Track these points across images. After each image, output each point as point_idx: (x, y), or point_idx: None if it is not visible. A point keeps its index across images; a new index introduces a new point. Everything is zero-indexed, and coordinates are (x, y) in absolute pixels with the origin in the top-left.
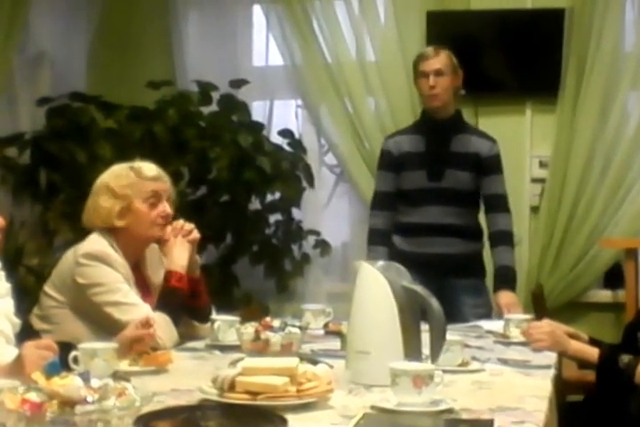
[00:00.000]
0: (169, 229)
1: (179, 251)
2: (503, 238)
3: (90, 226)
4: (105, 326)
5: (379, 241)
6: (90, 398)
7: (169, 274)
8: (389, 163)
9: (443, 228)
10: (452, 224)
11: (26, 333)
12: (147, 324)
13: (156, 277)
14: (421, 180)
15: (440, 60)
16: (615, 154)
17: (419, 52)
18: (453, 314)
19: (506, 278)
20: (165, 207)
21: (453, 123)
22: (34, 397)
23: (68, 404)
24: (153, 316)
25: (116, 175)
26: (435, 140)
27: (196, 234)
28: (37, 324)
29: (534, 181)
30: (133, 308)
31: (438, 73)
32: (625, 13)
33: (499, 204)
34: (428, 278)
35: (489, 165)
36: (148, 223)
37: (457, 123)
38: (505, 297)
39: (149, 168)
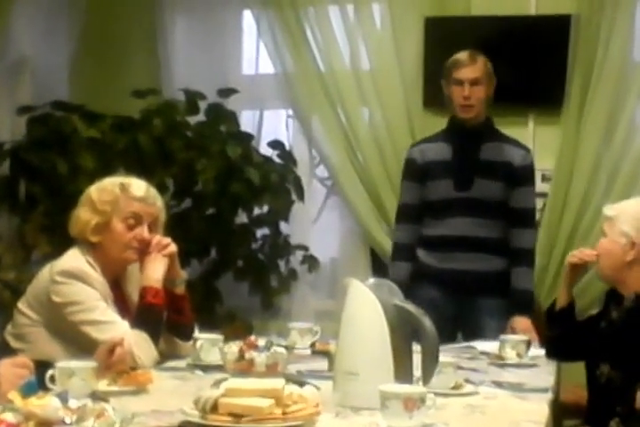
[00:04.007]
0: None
1: (153, 265)
2: (524, 258)
3: (72, 235)
4: (82, 345)
5: (403, 256)
6: (67, 420)
7: (144, 290)
8: (413, 172)
9: (469, 241)
10: (480, 237)
11: (1, 350)
12: (119, 345)
13: (137, 294)
14: (448, 189)
15: (477, 68)
16: (621, 168)
17: (453, 57)
18: (474, 335)
19: (523, 303)
20: (143, 231)
21: (484, 130)
22: (9, 417)
23: (45, 425)
24: (130, 334)
25: (101, 189)
26: (463, 148)
27: (172, 248)
28: (12, 342)
29: (536, 195)
30: (111, 326)
31: (474, 82)
32: (634, 21)
33: (525, 219)
34: (450, 296)
35: (521, 176)
36: (121, 244)
37: (488, 130)
38: (520, 323)
39: (138, 187)
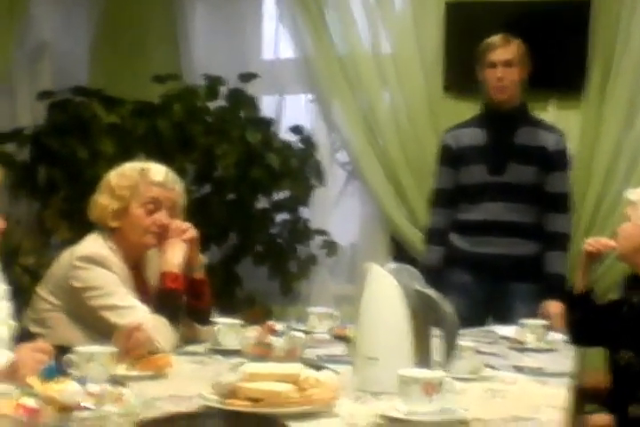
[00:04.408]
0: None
1: (173, 251)
2: (559, 242)
3: (91, 220)
4: (101, 330)
5: (436, 241)
6: (87, 404)
7: (163, 275)
8: (448, 158)
9: (503, 226)
10: (513, 222)
11: (22, 336)
12: (136, 330)
13: (156, 279)
14: (482, 174)
15: (510, 50)
16: None
17: (486, 40)
18: (505, 320)
19: (555, 287)
20: (162, 217)
21: (518, 114)
22: (29, 402)
23: (64, 409)
24: (149, 318)
25: (120, 174)
26: (497, 133)
27: (191, 233)
28: (32, 327)
29: None
30: (130, 311)
31: (507, 64)
32: None
33: (560, 203)
34: (483, 280)
35: (555, 161)
36: (140, 230)
37: (522, 114)
38: (552, 306)
39: (157, 172)
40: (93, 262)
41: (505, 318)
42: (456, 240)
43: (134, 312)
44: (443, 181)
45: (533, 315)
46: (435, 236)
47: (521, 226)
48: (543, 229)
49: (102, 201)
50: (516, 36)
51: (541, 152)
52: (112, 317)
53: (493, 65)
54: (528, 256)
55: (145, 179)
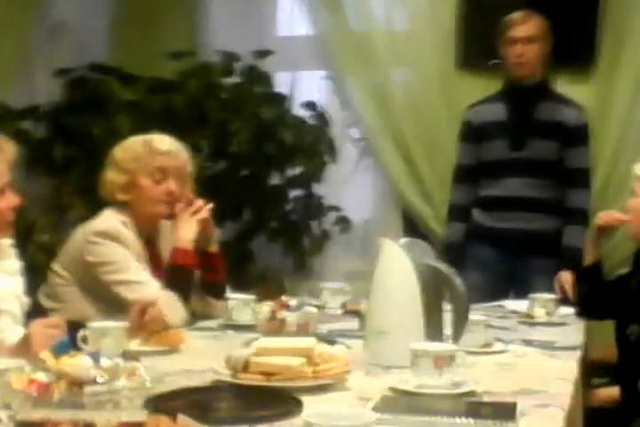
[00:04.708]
0: (179, 206)
1: (185, 227)
2: (578, 217)
3: (103, 197)
4: (114, 304)
5: (459, 217)
6: (99, 379)
7: (174, 251)
8: (469, 133)
9: (524, 201)
10: (534, 197)
11: (35, 311)
12: (151, 306)
13: (169, 252)
14: (502, 150)
15: (530, 26)
16: None
17: (507, 17)
18: (526, 294)
19: (573, 260)
20: (171, 185)
21: (539, 90)
22: (41, 377)
23: (76, 384)
24: (160, 295)
25: (124, 148)
26: (518, 108)
27: (204, 213)
28: (45, 302)
29: None
30: (142, 286)
31: (528, 40)
32: None
33: (580, 178)
34: (504, 255)
35: (575, 136)
36: (151, 200)
37: (543, 90)
38: (565, 276)
39: (161, 142)
40: (108, 237)
41: (526, 292)
42: (478, 216)
43: (146, 288)
44: (464, 156)
45: (554, 290)
46: (457, 211)
47: (541, 201)
48: (563, 205)
49: (109, 176)
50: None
51: (561, 127)
52: (123, 291)
53: (514, 41)
54: (549, 231)
55: (149, 149)
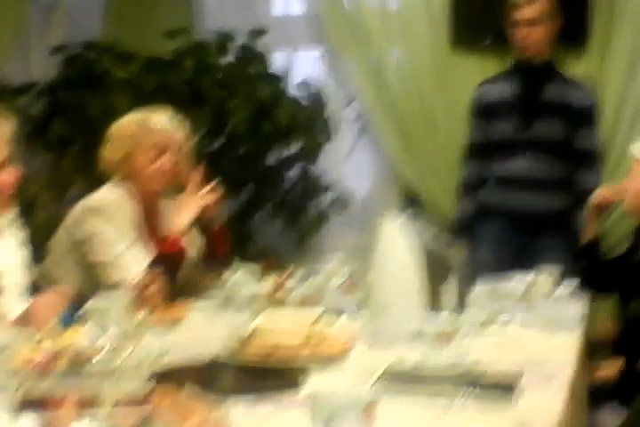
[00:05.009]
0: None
1: (184, 211)
2: (586, 196)
3: (101, 172)
4: (97, 281)
5: (470, 193)
6: (104, 351)
7: (163, 239)
8: (479, 111)
9: (533, 180)
10: (543, 177)
11: (36, 286)
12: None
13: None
14: (510, 130)
15: (535, 8)
16: None
17: None
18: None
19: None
20: (167, 161)
21: (546, 70)
22: (45, 349)
23: (78, 358)
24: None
25: (120, 125)
26: (525, 88)
27: (208, 199)
28: (43, 280)
29: None
30: (124, 268)
31: (532, 23)
32: None
33: (588, 159)
34: (513, 233)
35: (582, 116)
36: (146, 177)
37: (550, 70)
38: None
39: (158, 118)
40: (97, 214)
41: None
42: (487, 194)
43: (127, 271)
44: (475, 134)
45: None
46: (467, 189)
47: (550, 180)
48: (573, 186)
49: (105, 153)
50: None
51: (569, 108)
52: (105, 272)
53: (518, 23)
54: (557, 210)
55: (144, 127)
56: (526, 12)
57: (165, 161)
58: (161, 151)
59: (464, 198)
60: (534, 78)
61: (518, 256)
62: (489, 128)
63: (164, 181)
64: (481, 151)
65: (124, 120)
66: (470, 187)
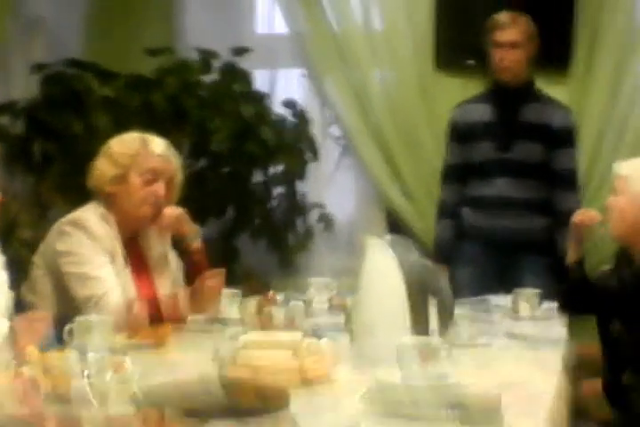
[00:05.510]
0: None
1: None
2: (567, 220)
3: (89, 187)
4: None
5: (448, 215)
6: (86, 373)
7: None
8: (456, 133)
9: (511, 201)
10: (522, 198)
11: (19, 306)
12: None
13: (154, 250)
14: (489, 151)
15: (517, 30)
16: (627, 128)
17: (494, 18)
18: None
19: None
20: (160, 188)
21: (525, 91)
22: (28, 372)
23: (63, 379)
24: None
25: (122, 141)
26: (504, 109)
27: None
28: (28, 296)
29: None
30: (96, 283)
31: (513, 45)
32: None
33: (566, 180)
34: (493, 253)
35: (560, 137)
36: (137, 199)
37: (529, 91)
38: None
39: (158, 144)
40: (77, 228)
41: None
42: (467, 215)
43: (100, 285)
44: (452, 156)
45: (542, 287)
46: (446, 211)
47: (529, 202)
48: (552, 207)
49: (101, 166)
50: (522, 14)
51: (547, 129)
52: (75, 285)
53: (498, 45)
54: (536, 231)
55: (146, 149)
56: (508, 35)
57: (158, 188)
58: (156, 176)
59: (442, 221)
60: (512, 100)
61: (499, 276)
62: (466, 150)
63: (151, 208)
64: (458, 173)
65: (127, 137)
66: (448, 209)
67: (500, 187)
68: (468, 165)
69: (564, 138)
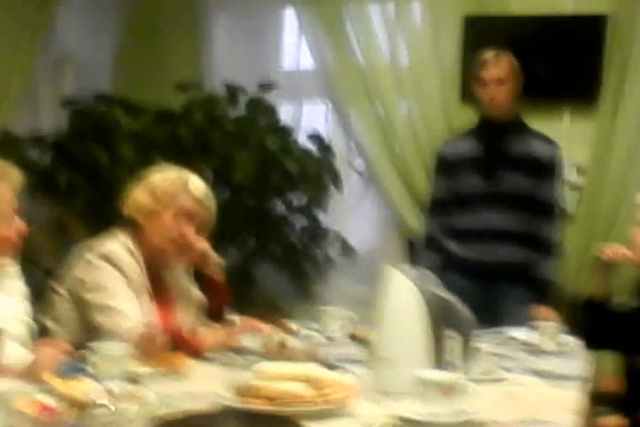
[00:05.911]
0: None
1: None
2: (547, 249)
3: (118, 212)
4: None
5: (433, 247)
6: (104, 402)
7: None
8: (444, 168)
9: (499, 234)
10: (507, 230)
11: (42, 335)
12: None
13: (179, 284)
14: (477, 184)
15: (502, 67)
16: None
17: (479, 57)
18: (502, 323)
19: (544, 293)
20: (190, 232)
21: (512, 125)
22: (47, 400)
23: (81, 407)
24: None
25: (165, 178)
26: (492, 143)
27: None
28: (50, 325)
29: (571, 188)
30: (121, 316)
31: (499, 82)
32: None
33: (549, 211)
34: (478, 285)
35: (546, 170)
36: (165, 237)
37: (516, 125)
38: (543, 312)
39: (199, 187)
40: (104, 259)
41: (502, 320)
42: (452, 247)
43: (124, 319)
44: (438, 191)
45: (529, 317)
46: (430, 243)
47: (514, 233)
48: (534, 236)
49: (140, 198)
50: (509, 51)
51: (534, 162)
52: (99, 316)
53: (485, 82)
54: (522, 262)
55: (187, 190)
56: (493, 72)
57: (188, 232)
58: (189, 219)
59: (428, 252)
60: (500, 134)
61: (483, 307)
62: (455, 183)
63: (178, 248)
64: (444, 207)
65: (170, 175)
66: (433, 241)
67: (486, 219)
68: (454, 197)
69: (550, 170)
